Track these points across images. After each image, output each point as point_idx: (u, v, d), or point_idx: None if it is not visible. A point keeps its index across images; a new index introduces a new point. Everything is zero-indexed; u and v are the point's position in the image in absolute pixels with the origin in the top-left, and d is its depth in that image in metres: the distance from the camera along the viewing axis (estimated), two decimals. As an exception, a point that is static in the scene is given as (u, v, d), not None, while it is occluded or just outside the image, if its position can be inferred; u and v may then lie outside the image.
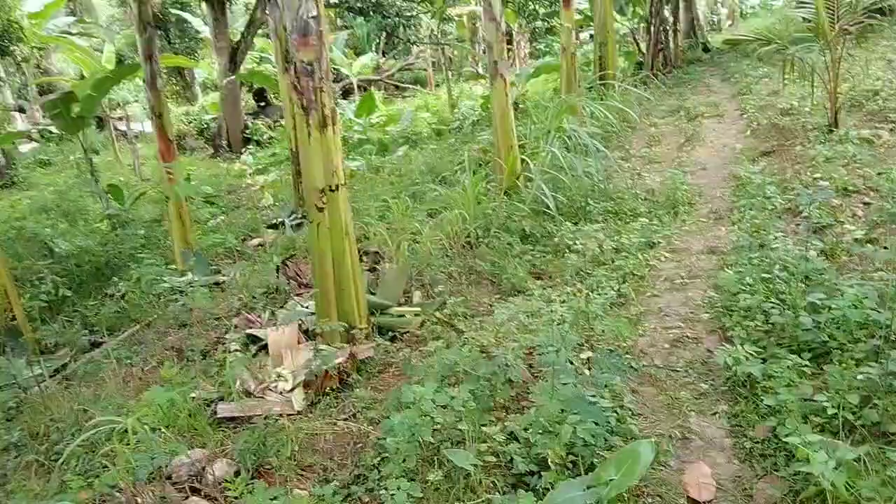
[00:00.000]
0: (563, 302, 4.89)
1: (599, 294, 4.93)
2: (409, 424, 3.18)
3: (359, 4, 15.75)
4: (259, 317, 6.02)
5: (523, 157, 8.46)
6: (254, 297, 6.71)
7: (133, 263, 9.20)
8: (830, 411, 2.99)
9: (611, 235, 6.21)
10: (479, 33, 27.02)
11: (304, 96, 4.62)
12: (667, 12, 17.65)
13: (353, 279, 4.91)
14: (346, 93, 24.49)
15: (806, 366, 3.37)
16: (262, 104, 20.87)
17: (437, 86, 25.18)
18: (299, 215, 10.47)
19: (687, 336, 4.26)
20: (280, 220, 10.45)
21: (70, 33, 20.26)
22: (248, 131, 19.18)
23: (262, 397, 4.65)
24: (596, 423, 3.09)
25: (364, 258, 7.09)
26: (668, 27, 17.55)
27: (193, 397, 4.57)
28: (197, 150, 20.85)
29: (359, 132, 16.33)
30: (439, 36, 20.87)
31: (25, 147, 20.80)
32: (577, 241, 6.03)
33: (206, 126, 20.79)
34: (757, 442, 3.17)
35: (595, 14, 13.91)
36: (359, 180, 11.90)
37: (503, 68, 7.51)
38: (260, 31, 22.64)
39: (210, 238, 9.91)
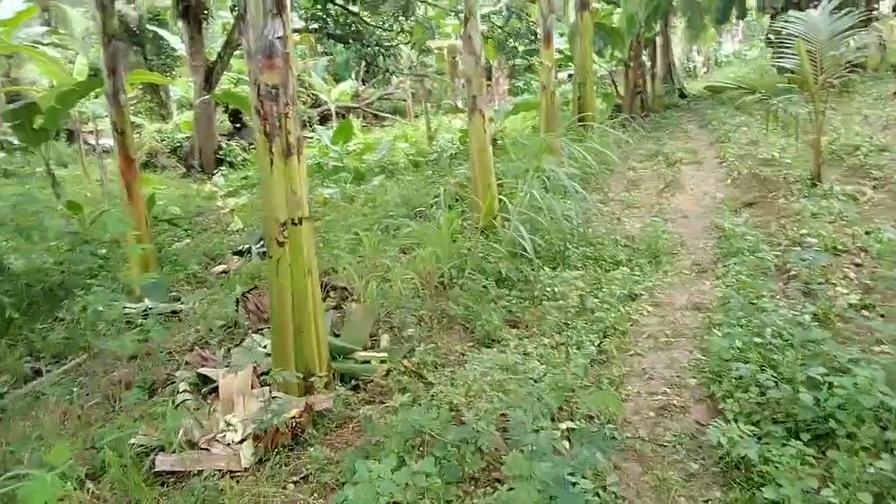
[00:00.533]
0: (541, 357, 4.52)
1: (579, 350, 4.57)
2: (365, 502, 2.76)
3: (338, 31, 15.44)
4: (214, 354, 5.56)
5: (501, 195, 8.14)
6: (211, 331, 6.23)
7: (89, 286, 8.67)
8: (840, 510, 2.64)
9: (590, 283, 5.87)
10: (458, 67, 26.97)
11: (267, 122, 4.23)
12: (645, 56, 17.67)
13: (314, 322, 4.49)
14: (324, 119, 24.15)
15: (809, 454, 3.01)
16: (238, 126, 20.40)
17: (416, 117, 24.95)
18: (266, 243, 10.00)
19: (673, 404, 3.89)
20: (247, 246, 9.97)
21: (42, 43, 19.70)
22: (221, 152, 18.67)
23: (207, 449, 4.17)
24: (577, 511, 2.70)
25: (331, 294, 6.66)
26: (645, 71, 17.55)
27: (132, 443, 4.11)
28: (168, 169, 20.25)
29: (335, 159, 15.96)
30: (418, 67, 20.66)
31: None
32: (556, 289, 5.67)
33: (179, 145, 20.23)
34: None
35: (575, 54, 13.78)
36: (332, 208, 11.49)
37: (482, 103, 7.21)
38: (237, 52, 22.30)
39: (171, 263, 9.41)
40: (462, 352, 5.01)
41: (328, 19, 16.26)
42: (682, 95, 19.97)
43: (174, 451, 3.95)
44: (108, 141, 24.32)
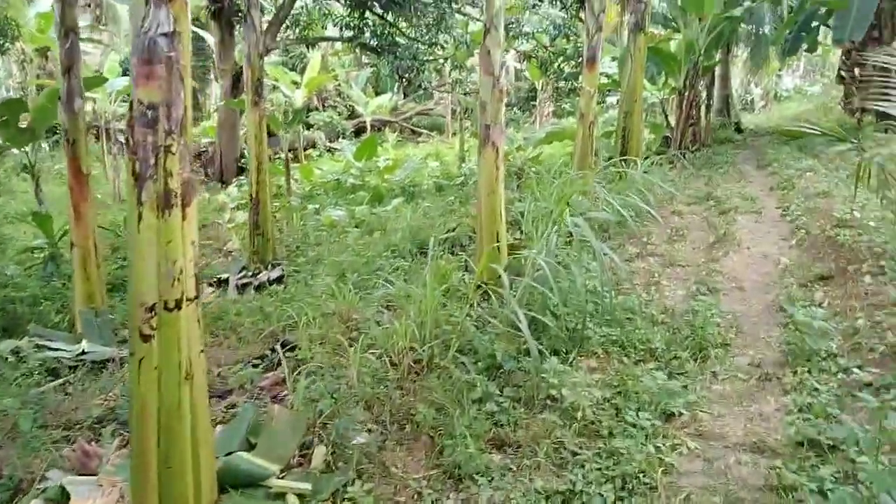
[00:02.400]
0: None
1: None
2: None
3: (373, 42, 14.07)
4: (102, 448, 4.11)
5: (516, 243, 6.59)
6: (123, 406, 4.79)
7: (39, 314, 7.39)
8: None
9: (611, 387, 4.27)
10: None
11: (137, 157, 2.77)
12: (700, 87, 15.87)
13: (192, 449, 3.00)
14: (359, 132, 22.88)
15: None
16: (267, 134, 19.18)
17: (454, 134, 23.52)
18: (250, 273, 8.62)
19: None
20: (226, 275, 8.60)
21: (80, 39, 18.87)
22: (244, 161, 17.45)
23: None
24: None
25: (284, 357, 5.22)
26: (700, 102, 15.76)
27: None
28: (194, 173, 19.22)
29: (355, 176, 14.60)
30: (454, 85, 19.20)
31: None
32: (563, 391, 4.09)
33: (204, 150, 19.14)
34: None
35: (623, 79, 12.06)
36: (331, 234, 10.10)
37: (496, 134, 5.67)
38: (275, 58, 21.18)
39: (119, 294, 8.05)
40: (419, 489, 3.46)
41: (365, 29, 14.97)
42: (739, 130, 18.07)
43: None
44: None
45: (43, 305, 7.02)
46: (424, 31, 14.29)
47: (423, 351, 4.61)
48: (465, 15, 15.71)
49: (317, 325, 5.55)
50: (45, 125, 10.04)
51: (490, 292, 5.44)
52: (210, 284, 8.45)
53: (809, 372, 4.32)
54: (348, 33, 14.43)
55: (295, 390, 4.17)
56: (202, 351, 3.03)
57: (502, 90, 5.71)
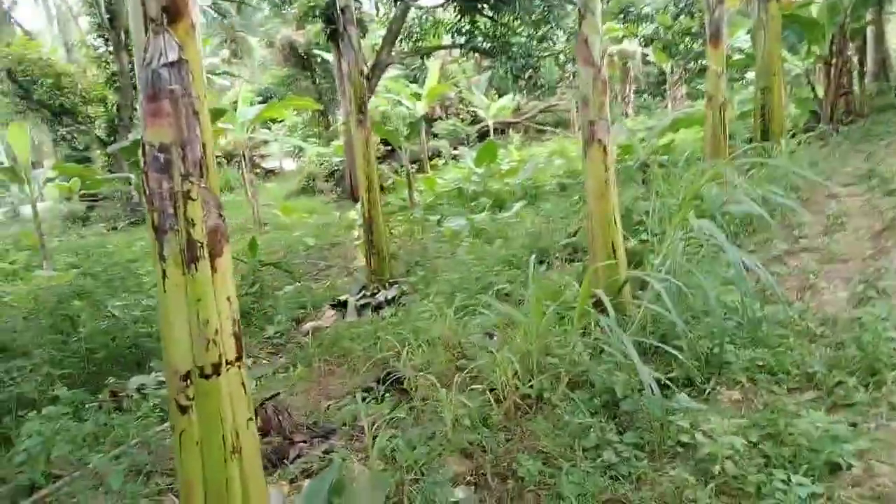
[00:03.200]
0: None
1: None
2: None
3: (486, 45, 13.54)
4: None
5: (638, 249, 5.79)
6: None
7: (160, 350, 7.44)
8: None
9: (757, 428, 3.43)
10: (630, 73, 24.11)
11: (154, 207, 2.39)
12: (851, 51, 13.92)
13: (246, 533, 2.58)
14: (483, 136, 22.43)
15: None
16: (391, 148, 19.23)
17: (580, 128, 22.47)
18: (368, 292, 8.35)
19: None
20: (346, 296, 8.37)
21: (214, 73, 19.85)
22: (371, 177, 17.52)
23: None
24: None
25: (388, 391, 4.81)
26: (852, 68, 13.83)
27: None
28: (325, 193, 19.59)
29: (476, 183, 14.12)
30: (574, 78, 18.25)
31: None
32: (696, 437, 3.32)
33: (336, 168, 19.46)
34: None
35: (757, 53, 10.67)
36: (450, 246, 9.66)
37: (602, 131, 4.93)
38: (397, 72, 21.21)
39: (261, 317, 8.01)
40: (519, 567, 2.87)
41: (476, 33, 14.50)
42: (902, 94, 15.77)
43: None
44: (275, 164, 24.45)
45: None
46: (533, 27, 13.58)
47: (531, 385, 3.99)
48: (574, 4, 14.81)
49: (421, 353, 5.10)
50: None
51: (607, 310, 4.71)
52: (332, 306, 8.25)
53: None
54: (460, 39, 14.01)
55: (375, 445, 3.67)
56: (251, 419, 2.61)
57: (605, 81, 4.95)
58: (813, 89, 13.89)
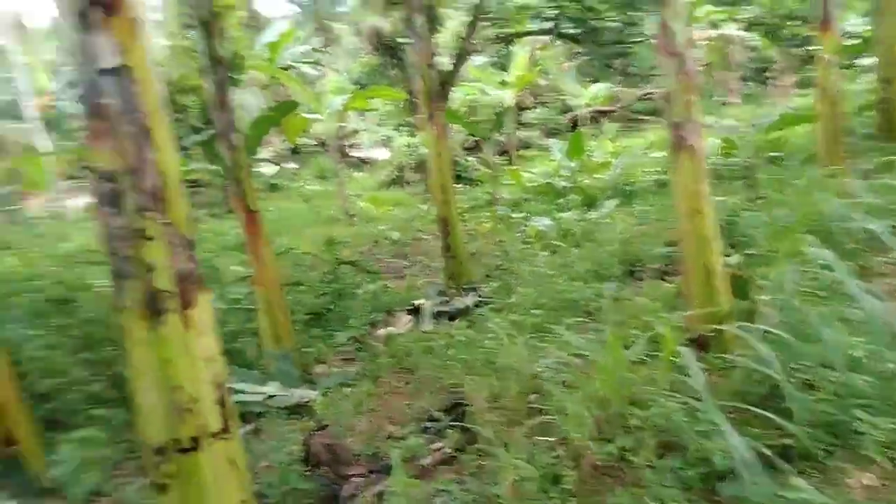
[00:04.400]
0: None
1: None
2: None
3: (571, 30, 12.71)
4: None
5: (742, 275, 5.00)
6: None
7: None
8: None
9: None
10: (731, 58, 22.46)
11: (108, 248, 1.98)
12: None
13: None
14: (575, 125, 21.46)
15: None
16: (477, 139, 18.66)
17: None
18: (446, 298, 7.89)
19: None
20: (422, 301, 7.93)
21: (303, 62, 19.82)
22: (458, 168, 17.00)
23: None
24: None
25: (447, 429, 4.35)
26: None
27: None
28: (413, 184, 19.25)
29: (565, 177, 13.36)
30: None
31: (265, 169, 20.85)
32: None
33: (424, 160, 19.09)
34: None
35: (878, 38, 9.33)
36: (532, 248, 9.05)
37: (692, 134, 4.17)
38: (484, 60, 20.56)
39: (330, 320, 7.70)
40: None
41: (561, 17, 13.66)
42: None
43: None
44: (364, 153, 24.33)
45: (238, 342, 6.82)
46: (620, 11, 12.61)
47: (609, 445, 3.39)
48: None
49: (490, 382, 4.59)
50: (254, 153, 10.13)
51: (714, 347, 4.04)
52: (409, 311, 7.82)
53: None
54: (546, 25, 13.22)
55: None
56: (245, 502, 2.17)
57: (690, 74, 4.17)
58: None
